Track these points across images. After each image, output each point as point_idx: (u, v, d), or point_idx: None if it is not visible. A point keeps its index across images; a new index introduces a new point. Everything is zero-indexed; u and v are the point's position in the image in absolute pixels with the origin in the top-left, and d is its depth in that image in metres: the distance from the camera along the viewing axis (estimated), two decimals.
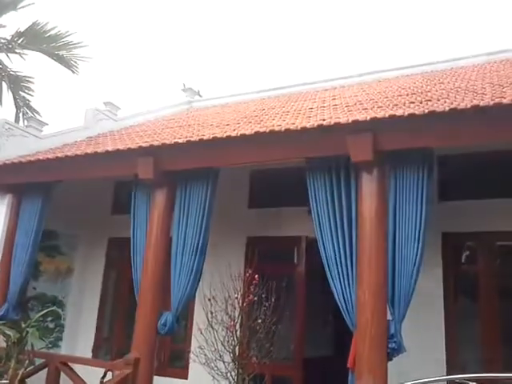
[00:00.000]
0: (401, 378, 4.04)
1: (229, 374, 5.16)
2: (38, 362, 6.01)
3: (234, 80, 34.15)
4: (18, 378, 5.32)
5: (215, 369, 5.18)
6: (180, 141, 5.52)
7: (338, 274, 4.56)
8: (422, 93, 5.85)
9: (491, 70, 7.14)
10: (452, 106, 4.25)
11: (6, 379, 5.16)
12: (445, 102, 4.74)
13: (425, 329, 5.52)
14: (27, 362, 5.56)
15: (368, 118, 4.51)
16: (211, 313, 5.30)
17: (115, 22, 38.26)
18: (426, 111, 4.28)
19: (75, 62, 10.75)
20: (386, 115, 4.46)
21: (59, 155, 6.56)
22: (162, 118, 9.95)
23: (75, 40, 10.66)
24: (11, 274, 6.69)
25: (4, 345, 5.80)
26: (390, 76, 9.14)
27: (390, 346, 4.16)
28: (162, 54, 40.80)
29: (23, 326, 5.78)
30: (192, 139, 5.47)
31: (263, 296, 5.23)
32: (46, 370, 5.91)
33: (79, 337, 8.09)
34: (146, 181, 5.77)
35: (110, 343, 8.04)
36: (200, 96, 12.01)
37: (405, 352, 4.22)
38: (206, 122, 7.22)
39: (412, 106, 4.83)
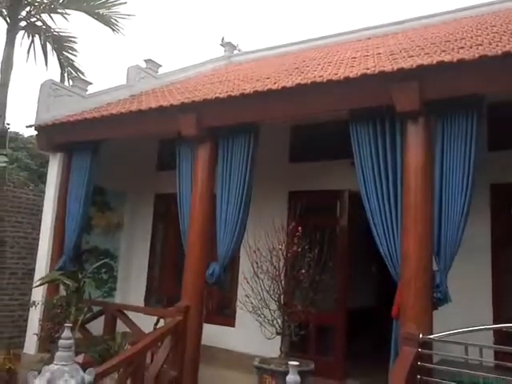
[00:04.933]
0: (445, 327, 4.06)
1: (275, 322, 5.35)
2: (96, 309, 6.44)
3: (273, 32, 33.27)
4: (79, 323, 5.74)
5: (262, 316, 5.37)
6: (221, 96, 5.51)
7: (383, 226, 4.55)
8: (471, 37, 5.54)
9: None
10: (505, 50, 4.03)
11: (69, 324, 5.55)
12: (497, 45, 4.49)
13: (471, 280, 5.47)
14: (86, 309, 5.96)
15: (414, 65, 4.34)
16: (256, 263, 5.44)
17: None
18: (477, 56, 4.08)
19: (116, 20, 10.77)
20: (434, 62, 4.28)
21: (104, 113, 6.71)
22: (202, 73, 9.92)
23: None
24: (66, 228, 7.02)
25: (64, 293, 6.22)
26: (436, 22, 8.68)
27: (435, 295, 4.16)
28: (200, 8, 40.05)
29: (80, 276, 6.17)
30: (233, 94, 5.45)
31: (306, 247, 5.32)
32: (103, 317, 6.34)
33: (131, 287, 8.53)
34: (189, 137, 5.85)
35: (161, 293, 8.43)
36: (239, 50, 11.85)
37: (450, 302, 4.23)
38: (246, 77, 7.15)
39: (461, 51, 4.61)
